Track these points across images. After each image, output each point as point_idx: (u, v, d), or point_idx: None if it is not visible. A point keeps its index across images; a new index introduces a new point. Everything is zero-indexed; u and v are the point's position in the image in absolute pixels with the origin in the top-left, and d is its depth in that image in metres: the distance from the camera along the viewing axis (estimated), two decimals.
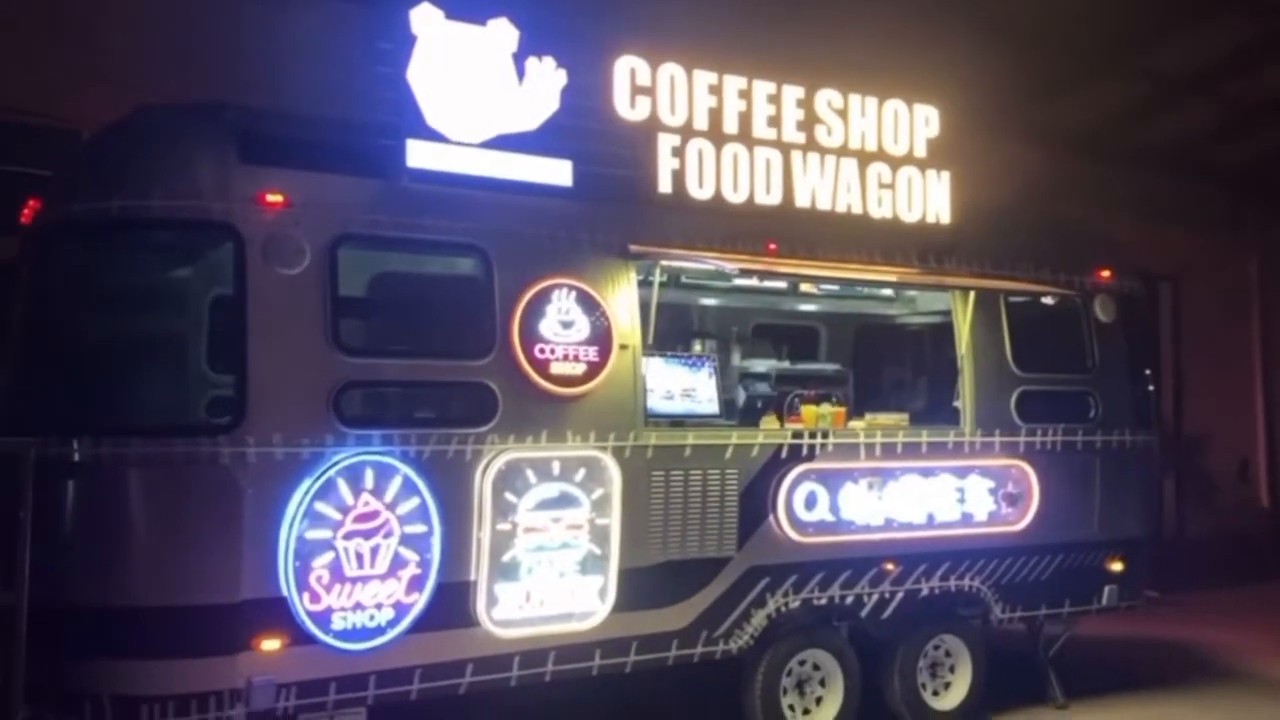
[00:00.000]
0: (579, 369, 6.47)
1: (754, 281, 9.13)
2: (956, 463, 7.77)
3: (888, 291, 9.98)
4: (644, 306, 6.84)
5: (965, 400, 7.96)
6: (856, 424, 7.64)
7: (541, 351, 6.38)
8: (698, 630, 6.89)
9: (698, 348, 9.47)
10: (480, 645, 6.24)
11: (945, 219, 7.93)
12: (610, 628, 6.57)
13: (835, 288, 9.75)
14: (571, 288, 6.51)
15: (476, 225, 6.33)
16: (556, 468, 6.39)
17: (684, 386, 7.00)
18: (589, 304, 6.55)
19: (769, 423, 7.36)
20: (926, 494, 7.60)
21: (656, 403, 6.92)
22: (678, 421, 7.05)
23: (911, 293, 9.90)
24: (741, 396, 9.41)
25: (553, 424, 6.41)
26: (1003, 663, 8.29)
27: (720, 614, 6.96)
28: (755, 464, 7.07)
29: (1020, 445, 8.09)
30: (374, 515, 5.93)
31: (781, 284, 9.46)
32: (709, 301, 9.51)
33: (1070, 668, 8.67)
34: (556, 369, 6.41)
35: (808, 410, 7.47)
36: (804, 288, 9.58)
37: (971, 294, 7.88)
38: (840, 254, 7.56)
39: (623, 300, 6.73)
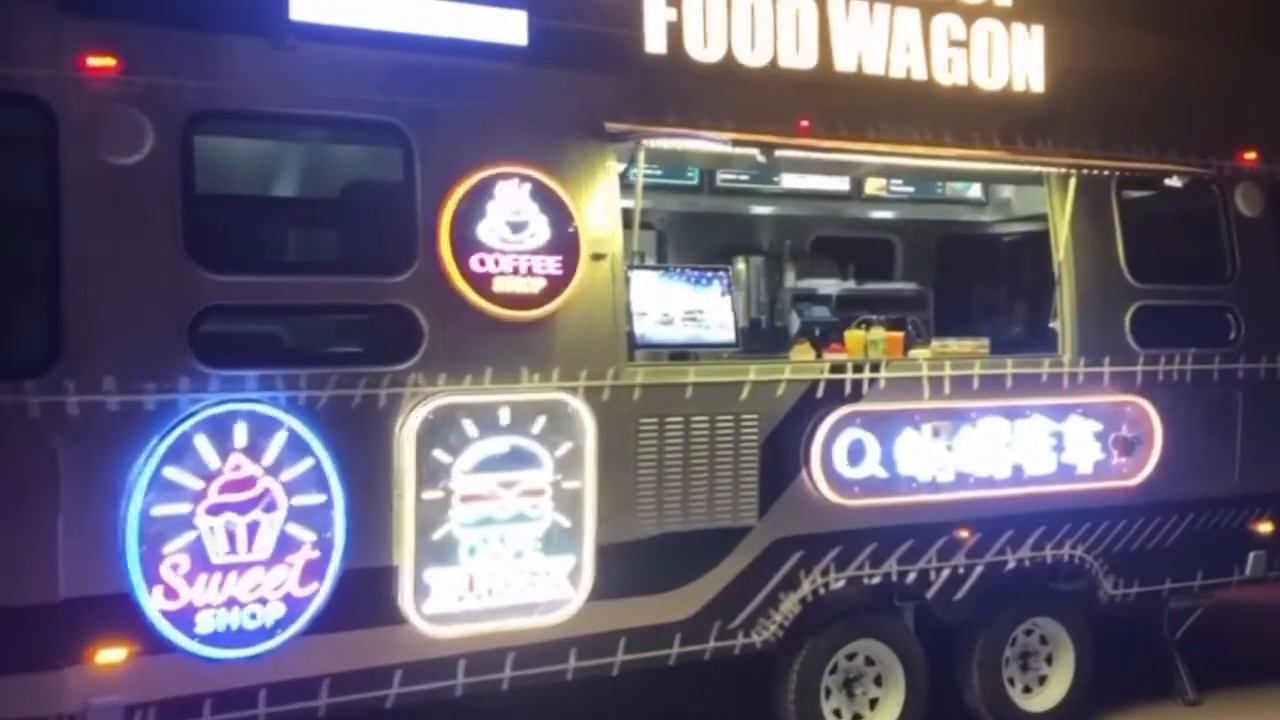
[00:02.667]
0: (534, 286, 4.78)
1: (798, 185, 7.46)
2: (1052, 400, 5.88)
3: (975, 193, 8.12)
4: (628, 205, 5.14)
5: (1064, 320, 6.05)
6: (919, 353, 5.81)
7: (482, 263, 4.70)
8: (707, 621, 5.20)
9: (741, 266, 7.81)
10: (409, 647, 4.64)
11: (1038, 87, 5.98)
12: (587, 621, 4.92)
13: (909, 190, 7.94)
14: (524, 178, 4.79)
15: (390, 98, 4.63)
16: (505, 416, 4.73)
17: (686, 308, 5.26)
18: (548, 200, 4.83)
19: (801, 353, 5.57)
20: (1012, 441, 5.74)
21: (648, 329, 5.18)
22: (679, 353, 5.31)
23: (1005, 194, 8.03)
24: (795, 323, 7.70)
25: (499, 359, 4.74)
26: (1115, 650, 6.43)
27: (737, 600, 5.25)
28: (781, 406, 5.30)
29: (1137, 377, 6.15)
30: (249, 483, 4.35)
31: (842, 185, 7.71)
32: (758, 210, 7.71)
33: (1203, 654, 6.75)
34: (502, 286, 4.72)
35: (852, 337, 5.66)
36: (870, 189, 7.78)
37: (1072, 180, 5.94)
38: (896, 134, 5.68)
39: (597, 195, 4.99)
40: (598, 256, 4.93)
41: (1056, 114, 6.01)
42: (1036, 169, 5.98)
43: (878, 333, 5.65)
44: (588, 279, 4.90)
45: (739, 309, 7.62)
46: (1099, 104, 6.16)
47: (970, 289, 8.23)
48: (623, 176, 5.29)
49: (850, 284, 7.92)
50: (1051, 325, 6.14)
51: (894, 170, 6.04)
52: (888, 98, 5.62)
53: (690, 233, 7.73)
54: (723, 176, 7.37)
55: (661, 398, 5.04)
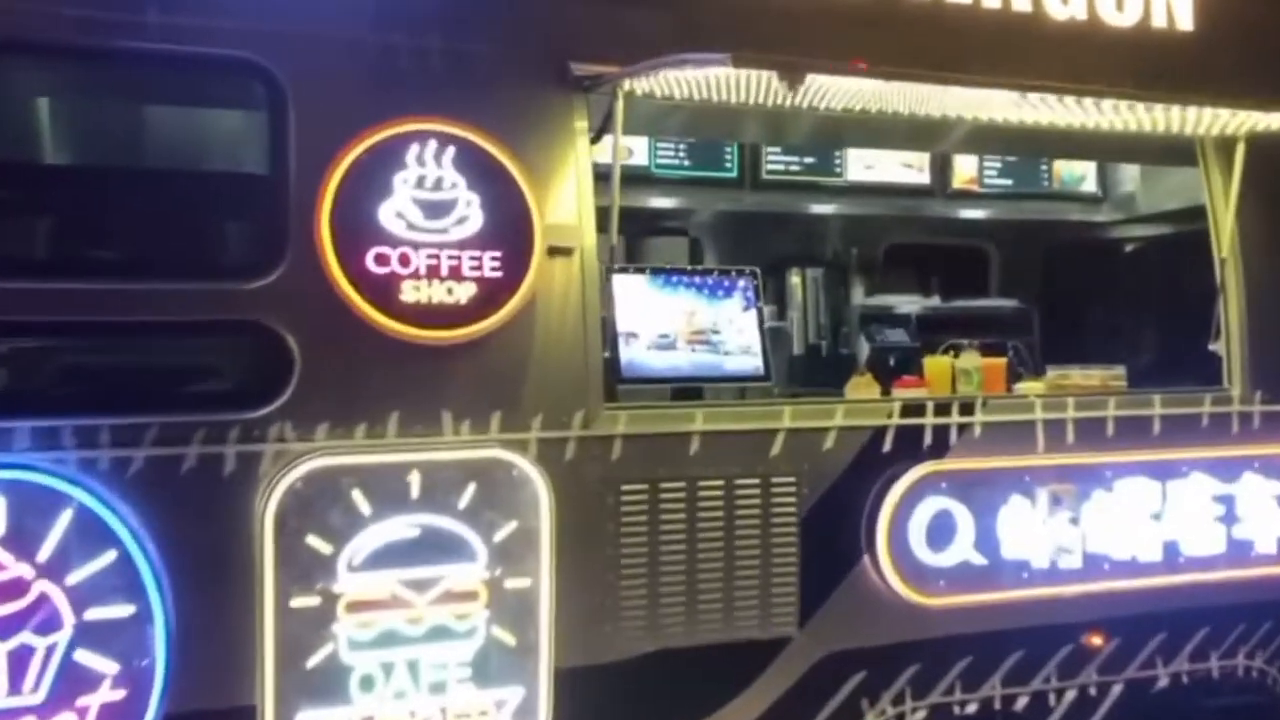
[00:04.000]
0: (462, 293, 3.25)
1: (866, 177, 5.86)
2: (1218, 452, 4.14)
3: (1089, 187, 6.42)
4: (603, 177, 3.58)
5: (1231, 342, 4.36)
6: (1028, 387, 4.15)
7: (382, 260, 3.18)
8: None
9: (796, 280, 6.22)
10: None
11: (1185, 24, 4.33)
12: None
13: (1007, 182, 6.28)
14: (449, 140, 3.27)
15: (254, 25, 3.19)
16: (417, 484, 3.19)
17: (695, 327, 3.69)
18: (485, 170, 3.30)
19: (861, 388, 3.94)
20: (1164, 510, 4.06)
21: (638, 355, 3.60)
22: (684, 389, 3.73)
23: (1127, 187, 6.33)
24: (865, 350, 6.08)
25: (409, 400, 3.20)
26: None
27: None
28: (832, 466, 3.67)
29: None
30: (16, 588, 2.91)
31: (922, 177, 6.08)
32: (817, 209, 6.11)
33: None
34: (414, 293, 3.20)
35: (935, 365, 4.02)
36: (958, 182, 6.14)
37: (1240, 146, 4.27)
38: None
39: (560, 166, 3.48)
40: (560, 252, 3.39)
41: (1211, 58, 4.33)
42: (1188, 130, 4.27)
43: (970, 359, 4.01)
44: (545, 284, 3.36)
45: (795, 332, 6.16)
46: (1270, 45, 4.46)
47: (1086, 306, 6.53)
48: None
49: (934, 301, 6.31)
50: (1211, 349, 4.43)
51: (988, 136, 4.40)
52: (973, 35, 4.00)
53: (731, 239, 6.18)
54: (769, 165, 5.81)
55: (655, 454, 3.46)
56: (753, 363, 3.74)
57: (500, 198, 3.31)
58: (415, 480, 3.17)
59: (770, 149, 5.81)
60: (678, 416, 3.50)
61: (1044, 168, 6.38)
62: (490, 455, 3.25)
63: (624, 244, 5.69)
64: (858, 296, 6.35)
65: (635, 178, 5.54)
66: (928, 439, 3.79)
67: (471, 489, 3.22)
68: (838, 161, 5.95)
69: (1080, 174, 6.46)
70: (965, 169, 6.21)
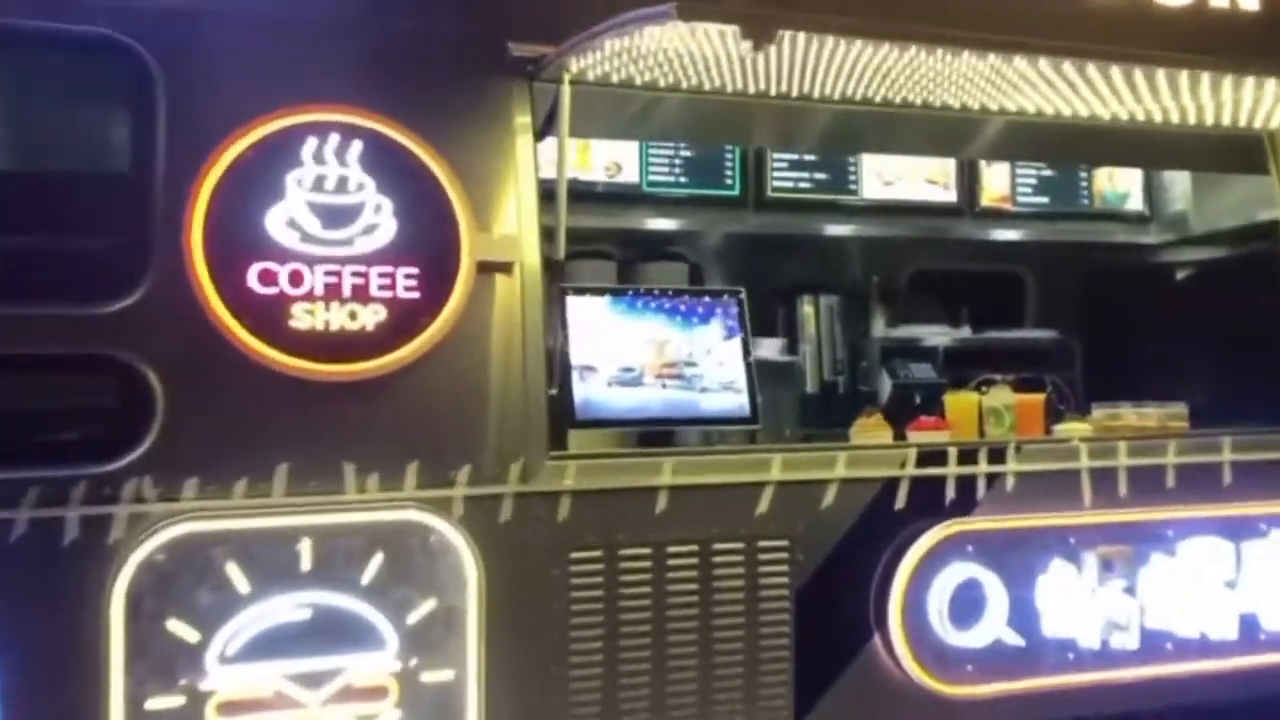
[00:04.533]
0: (369, 319, 2.62)
1: (886, 195, 5.23)
2: None
3: (1136, 204, 5.74)
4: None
5: None
6: (1070, 428, 3.45)
7: (268, 279, 2.58)
8: None
9: (808, 310, 5.56)
10: None
11: (1251, 3, 3.67)
12: None
13: (1043, 200, 5.61)
14: (354, 133, 2.68)
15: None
16: (309, 554, 2.59)
17: (666, 359, 3.04)
18: (401, 169, 2.68)
19: (868, 431, 3.25)
20: (1238, 577, 3.36)
21: (595, 393, 2.96)
22: (652, 434, 3.09)
23: (1179, 206, 5.64)
24: (887, 386, 5.41)
25: (299, 450, 2.57)
26: None
27: None
28: (832, 526, 2.98)
29: None
30: None
31: (948, 195, 5.42)
32: (833, 230, 5.45)
33: None
34: (307, 318, 2.57)
35: (958, 402, 3.35)
36: (988, 199, 5.47)
37: None
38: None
39: (494, 165, 2.86)
40: (495, 268, 2.76)
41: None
42: (1255, 121, 3.60)
43: (1001, 396, 3.33)
44: (475, 307, 2.73)
45: (808, 367, 5.49)
46: None
47: (1134, 337, 5.82)
48: None
49: (963, 332, 5.61)
50: None
51: (1021, 139, 3.72)
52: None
53: (735, 264, 5.52)
54: (776, 181, 5.17)
55: (614, 513, 2.80)
56: (736, 401, 3.09)
57: (419, 203, 2.70)
58: (307, 549, 2.54)
59: (777, 163, 5.17)
60: (642, 467, 2.85)
61: (1083, 184, 5.71)
62: (403, 517, 2.62)
63: (615, 271, 5.12)
64: (879, 328, 5.65)
65: (626, 196, 4.94)
66: (950, 492, 3.11)
67: (379, 560, 2.59)
68: (852, 177, 5.30)
69: (1124, 191, 5.78)
70: (996, 185, 5.55)
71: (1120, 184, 5.78)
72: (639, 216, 5.08)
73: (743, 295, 3.21)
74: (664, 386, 3.02)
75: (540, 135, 2.93)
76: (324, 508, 2.57)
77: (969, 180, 5.52)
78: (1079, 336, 5.62)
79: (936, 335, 5.55)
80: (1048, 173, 5.66)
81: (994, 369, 4.89)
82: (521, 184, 2.83)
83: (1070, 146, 3.98)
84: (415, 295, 2.66)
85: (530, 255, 2.81)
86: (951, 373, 5.23)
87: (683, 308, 3.11)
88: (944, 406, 3.38)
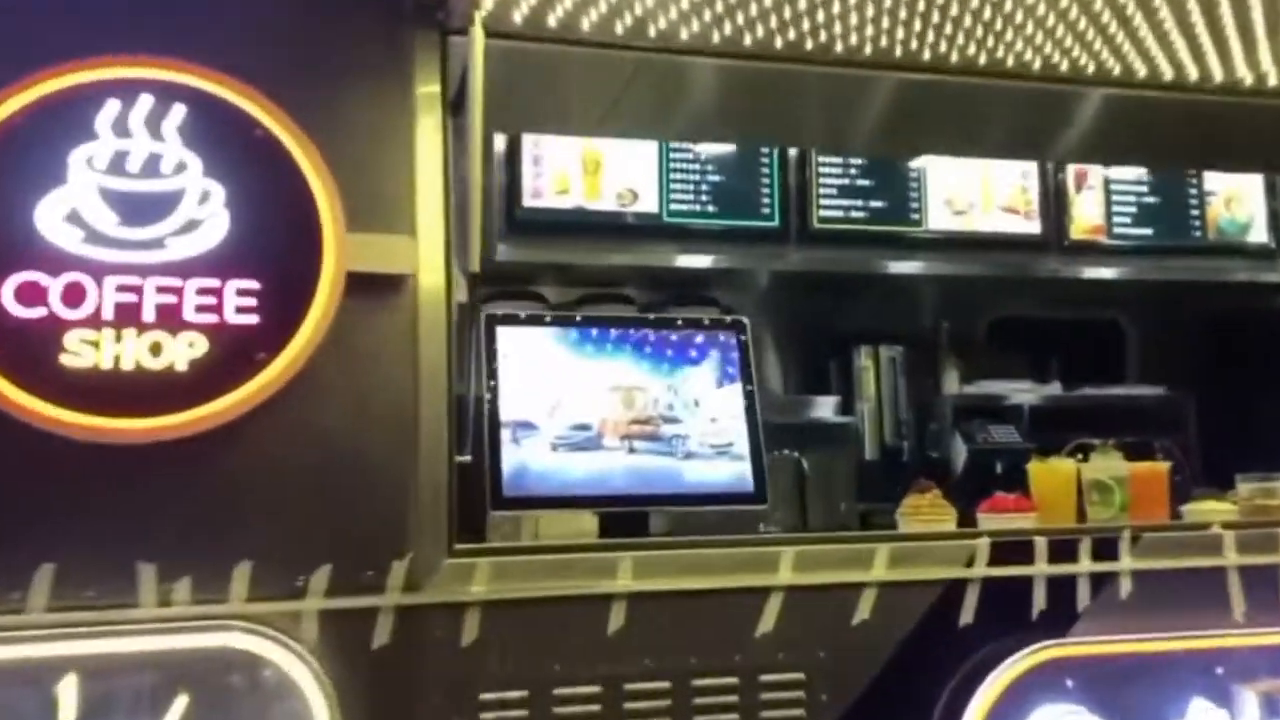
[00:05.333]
0: (181, 353, 1.81)
1: (957, 225, 4.41)
2: None
3: (1259, 236, 4.78)
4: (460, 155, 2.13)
5: None
6: (1205, 509, 2.49)
7: (31, 296, 1.75)
8: None
9: (867, 363, 4.67)
10: None
11: None
12: None
13: (1145, 232, 4.68)
14: (173, 94, 1.88)
15: None
16: (70, 701, 1.74)
17: (637, 414, 2.19)
18: (240, 146, 1.90)
19: (919, 512, 2.31)
20: None
21: (535, 459, 2.10)
22: (612, 518, 2.18)
23: None
24: (961, 453, 4.50)
25: (74, 542, 1.79)
26: None
27: None
28: (868, 650, 2.06)
29: None
30: None
31: (1031, 226, 4.51)
32: (896, 269, 4.54)
33: None
34: (88, 353, 1.76)
35: (1048, 475, 2.40)
36: (1078, 230, 4.56)
37: None
38: None
39: (379, 143, 2.04)
40: (376, 284, 1.94)
41: None
42: None
43: (1108, 463, 2.38)
44: (344, 337, 1.89)
45: (866, 430, 4.57)
46: None
47: (1258, 394, 4.81)
48: None
49: (1053, 389, 4.69)
50: None
51: (1118, 131, 2.80)
52: None
53: (779, 308, 4.67)
54: (823, 210, 4.31)
55: (545, 634, 1.93)
56: (733, 471, 2.18)
57: (266, 191, 1.89)
58: (70, 692, 1.70)
59: (824, 188, 4.34)
60: (589, 566, 1.96)
61: (1194, 212, 4.77)
62: (224, 642, 1.76)
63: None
64: (951, 383, 4.75)
65: (644, 229, 4.14)
66: (1039, 601, 2.16)
67: (181, 707, 1.74)
68: (914, 204, 4.43)
69: (1245, 220, 4.82)
70: (1088, 213, 4.63)
71: (1240, 211, 4.82)
72: (660, 253, 4.25)
73: (746, 324, 2.33)
74: (631, 451, 2.14)
75: (455, 107, 2.10)
76: (104, 628, 1.73)
77: (1055, 208, 4.60)
78: (1192, 393, 4.65)
79: (1021, 392, 4.63)
80: (1151, 199, 4.71)
81: (1090, 433, 3.95)
82: (420, 169, 2.00)
83: (1183, 142, 3.05)
84: (252, 320, 1.83)
85: (432, 266, 1.97)
86: (1039, 437, 4.34)
87: (661, 342, 2.23)
88: (1028, 479, 2.45)
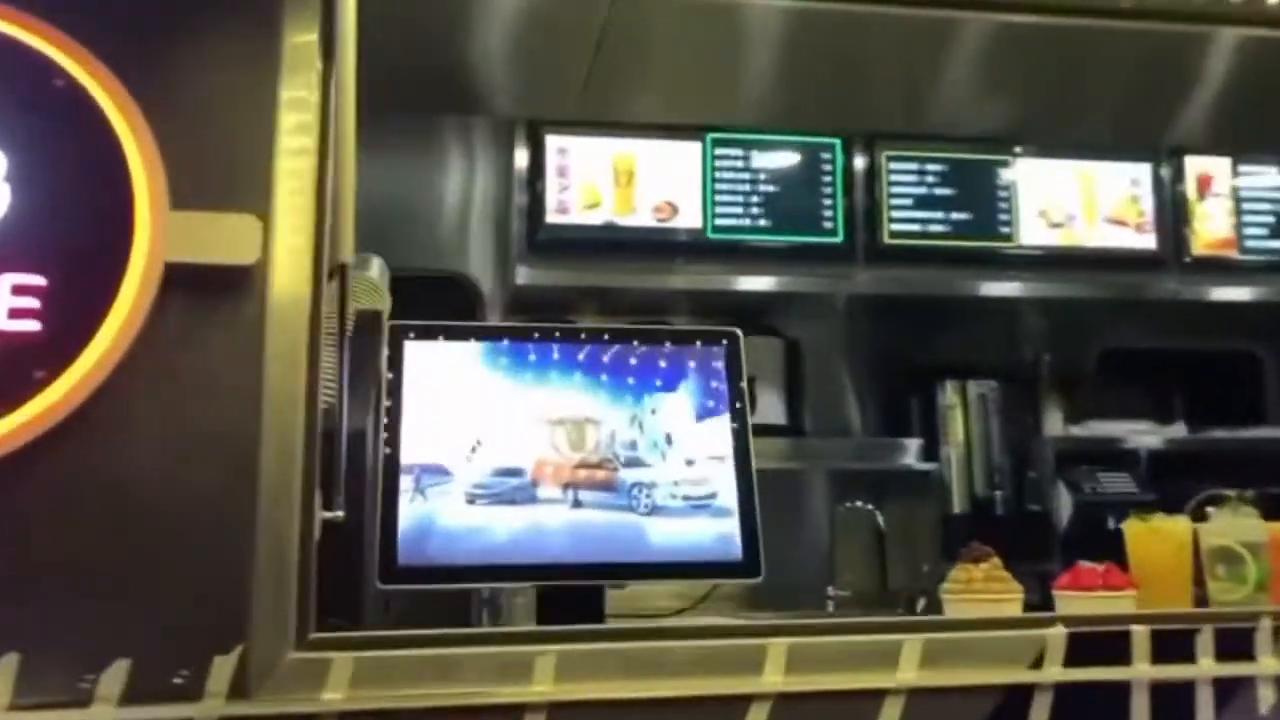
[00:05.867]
0: None
1: (1053, 240, 3.81)
2: None
3: None
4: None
5: None
6: None
7: None
8: None
9: (953, 400, 4.03)
10: None
11: None
12: None
13: None
14: None
15: None
16: None
17: (586, 456, 1.65)
18: (27, 100, 1.43)
19: (976, 590, 1.74)
20: None
21: (440, 519, 1.58)
22: (554, 592, 1.65)
23: None
24: (1065, 506, 3.88)
25: None
26: None
27: None
28: None
29: None
30: None
31: (1146, 241, 3.85)
32: (987, 289, 3.91)
33: None
34: None
35: (1144, 538, 1.80)
36: (1202, 244, 3.93)
37: None
38: None
39: (223, 99, 1.54)
40: (210, 277, 1.46)
41: None
42: None
43: (1236, 523, 1.75)
44: (156, 350, 1.40)
45: (953, 479, 3.94)
46: None
47: None
48: None
49: (1176, 430, 4.00)
50: None
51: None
52: None
53: (851, 339, 4.08)
54: (895, 224, 3.72)
55: None
56: (715, 531, 1.61)
57: (63, 159, 1.42)
58: None
59: (896, 197, 3.76)
60: (490, 666, 1.43)
61: None
62: None
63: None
64: (1054, 424, 4.09)
65: (685, 247, 3.61)
66: (1139, 717, 1.55)
67: None
68: (1004, 216, 3.82)
69: None
70: (1214, 225, 3.95)
71: None
72: (705, 275, 3.72)
73: (737, 336, 1.77)
74: (577, 504, 1.60)
75: (323, 47, 1.60)
76: None
77: (1173, 218, 3.94)
78: None
79: (1138, 434, 3.96)
80: None
81: (1221, 482, 3.28)
82: (288, 136, 1.51)
83: None
84: (31, 326, 1.35)
85: (290, 257, 1.47)
86: (1160, 487, 3.71)
87: (622, 362, 1.69)
88: (1125, 544, 1.82)
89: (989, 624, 1.57)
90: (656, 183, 3.61)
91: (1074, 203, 3.86)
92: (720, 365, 1.70)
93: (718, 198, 3.65)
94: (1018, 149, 3.84)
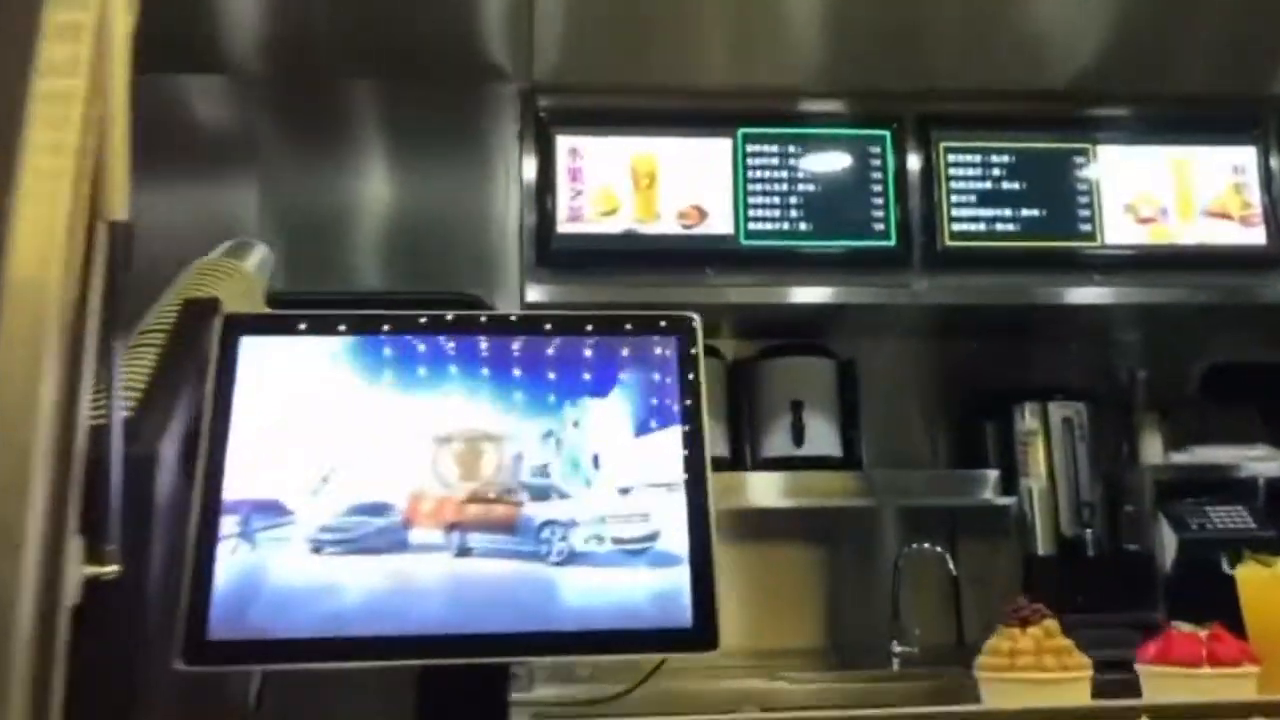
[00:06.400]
0: None
1: (1145, 239, 3.29)
2: None
3: None
4: None
5: None
6: None
7: None
8: None
9: (1033, 425, 3.50)
10: None
11: None
12: None
13: None
14: None
15: None
16: None
17: (485, 484, 1.21)
18: None
19: (1026, 658, 1.24)
20: None
21: (275, 575, 1.15)
22: (433, 673, 1.21)
23: None
24: (1169, 545, 3.34)
25: None
26: None
27: None
28: None
29: None
30: None
31: (1251, 234, 3.30)
32: (1071, 297, 3.36)
33: None
34: None
35: (1262, 590, 1.30)
36: None
37: None
38: None
39: None
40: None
41: None
42: None
43: None
44: None
45: (1037, 513, 3.40)
46: None
47: None
48: None
49: None
50: None
51: None
52: None
53: (909, 358, 3.59)
54: (956, 224, 3.23)
55: None
56: (655, 586, 1.17)
57: None
58: None
59: (956, 194, 3.27)
60: None
61: None
62: None
63: (723, 370, 3.39)
64: (1152, 451, 3.53)
65: (716, 256, 3.17)
66: None
67: None
68: (1085, 212, 3.30)
69: None
70: None
71: None
72: (738, 287, 3.27)
73: (693, 322, 1.31)
74: (464, 552, 1.17)
75: None
76: None
77: None
78: None
79: (1252, 460, 3.39)
80: None
81: None
82: (50, 74, 1.11)
83: None
84: None
85: (33, 224, 1.07)
86: (1277, 522, 3.19)
87: (536, 357, 1.26)
88: (1239, 595, 1.32)
89: (1038, 716, 1.08)
90: (681, 185, 3.18)
91: (1166, 194, 3.33)
92: (670, 359, 1.25)
93: (751, 200, 3.21)
94: (1098, 135, 3.34)
